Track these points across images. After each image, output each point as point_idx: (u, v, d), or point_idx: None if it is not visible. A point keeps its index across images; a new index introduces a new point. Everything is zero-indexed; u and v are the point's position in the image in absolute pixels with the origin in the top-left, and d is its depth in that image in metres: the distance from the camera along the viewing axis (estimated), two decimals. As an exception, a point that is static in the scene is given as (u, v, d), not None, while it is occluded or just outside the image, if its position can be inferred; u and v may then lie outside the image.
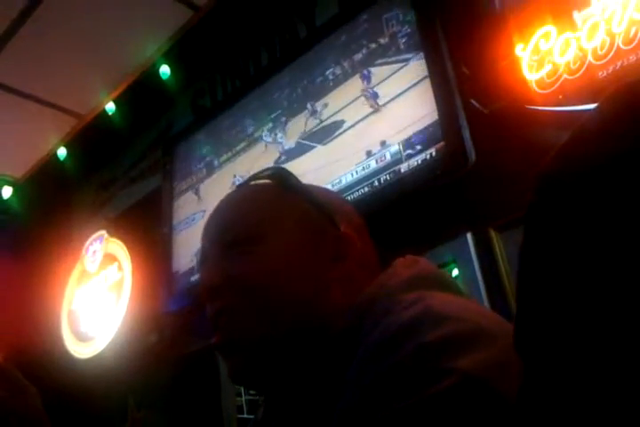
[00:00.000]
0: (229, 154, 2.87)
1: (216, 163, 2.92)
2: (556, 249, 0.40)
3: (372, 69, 2.38)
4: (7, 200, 3.94)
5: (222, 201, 0.85)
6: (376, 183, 2.21)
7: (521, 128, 1.83)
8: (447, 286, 0.72)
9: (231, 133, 2.89)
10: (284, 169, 0.84)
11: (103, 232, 3.37)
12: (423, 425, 0.52)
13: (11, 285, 3.68)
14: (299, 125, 2.58)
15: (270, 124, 2.72)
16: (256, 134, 2.77)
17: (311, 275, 0.73)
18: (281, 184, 0.81)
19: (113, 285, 3.17)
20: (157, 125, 3.35)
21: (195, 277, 2.74)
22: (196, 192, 2.95)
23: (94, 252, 3.38)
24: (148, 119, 3.35)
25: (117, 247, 3.23)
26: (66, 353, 3.25)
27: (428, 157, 2.08)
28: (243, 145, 2.81)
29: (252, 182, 0.84)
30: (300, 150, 2.54)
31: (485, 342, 0.57)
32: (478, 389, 0.52)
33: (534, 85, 1.84)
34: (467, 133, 1.99)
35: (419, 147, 2.12)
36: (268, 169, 0.84)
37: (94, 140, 3.49)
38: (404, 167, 2.16)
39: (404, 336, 0.58)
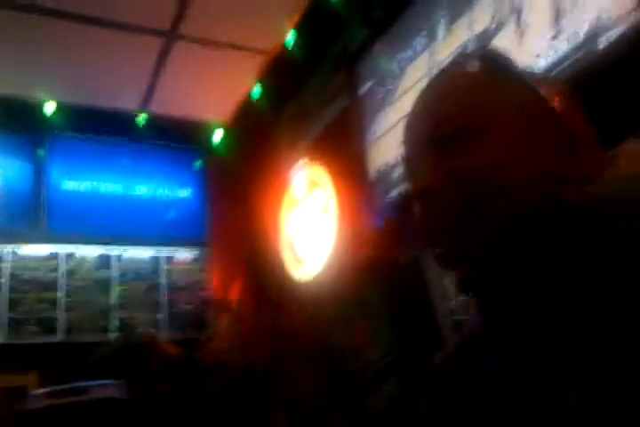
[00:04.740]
0: (412, 55, 2.78)
1: (400, 68, 2.85)
2: None
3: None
4: (218, 143, 4.27)
5: (425, 92, 0.75)
6: (572, 65, 1.99)
7: None
8: None
9: (410, 35, 2.79)
10: (493, 50, 0.73)
11: (304, 159, 3.50)
12: None
13: (233, 224, 4.03)
14: (481, 15, 2.41)
15: (449, 18, 2.58)
16: (434, 30, 2.65)
17: (543, 173, 0.64)
18: (494, 68, 0.71)
19: (320, 208, 3.31)
20: (336, 46, 3.34)
21: (393, 193, 2.76)
22: (387, 103, 2.91)
23: (299, 179, 3.54)
24: (327, 42, 3.35)
25: (318, 172, 3.35)
26: (290, 278, 3.49)
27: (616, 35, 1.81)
28: (423, 43, 2.71)
29: (458, 67, 0.74)
30: (484, 38, 2.37)
31: None
32: None
33: None
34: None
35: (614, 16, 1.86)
36: (474, 51, 0.75)
37: (281, 72, 3.60)
38: (602, 42, 1.91)
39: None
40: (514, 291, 0.64)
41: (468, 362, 0.74)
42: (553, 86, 0.70)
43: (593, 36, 1.93)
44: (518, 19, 2.26)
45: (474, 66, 0.71)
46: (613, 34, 1.86)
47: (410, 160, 0.72)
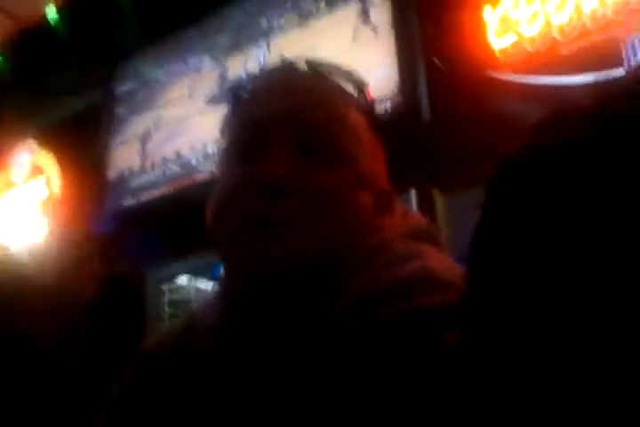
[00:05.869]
0: (183, 70, 2.80)
1: (167, 78, 2.84)
2: (511, 233, 0.41)
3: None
4: None
5: (298, 81, 0.71)
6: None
7: (479, 93, 1.85)
8: (436, 241, 0.69)
9: (185, 50, 2.81)
10: (354, 72, 0.73)
11: (32, 142, 3.21)
12: (409, 388, 0.51)
13: None
14: (242, 61, 2.57)
15: (218, 52, 2.69)
16: (204, 58, 2.73)
17: (367, 217, 0.67)
18: (371, 111, 0.71)
19: (38, 198, 3.07)
20: (102, 38, 3.17)
21: (128, 202, 2.69)
22: (145, 109, 2.86)
23: (21, 162, 3.24)
24: (94, 31, 3.16)
25: (46, 160, 3.10)
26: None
27: (381, 110, 2.08)
28: (197, 62, 2.76)
29: (338, 83, 0.71)
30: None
31: None
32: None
33: (498, 53, 1.86)
34: (424, 90, 2.00)
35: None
36: (351, 73, 0.73)
37: (31, 44, 3.29)
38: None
39: (396, 295, 0.56)
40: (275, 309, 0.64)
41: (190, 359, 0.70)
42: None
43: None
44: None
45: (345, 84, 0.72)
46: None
47: (258, 143, 0.67)
